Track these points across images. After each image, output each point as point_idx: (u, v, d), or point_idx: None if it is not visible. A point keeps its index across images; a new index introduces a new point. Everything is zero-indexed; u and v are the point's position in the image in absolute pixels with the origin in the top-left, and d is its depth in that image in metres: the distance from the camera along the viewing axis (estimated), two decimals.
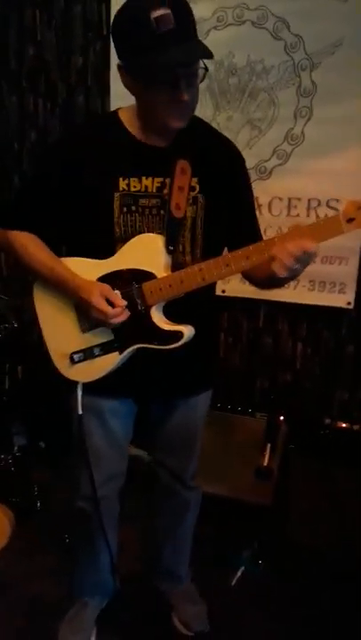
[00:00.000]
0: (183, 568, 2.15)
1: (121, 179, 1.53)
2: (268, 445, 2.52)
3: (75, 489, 1.87)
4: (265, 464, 2.49)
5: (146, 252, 1.52)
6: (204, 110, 1.94)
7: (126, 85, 1.45)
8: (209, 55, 1.35)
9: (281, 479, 2.48)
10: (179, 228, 1.54)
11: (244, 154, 1.70)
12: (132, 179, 1.53)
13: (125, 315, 1.53)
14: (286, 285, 1.53)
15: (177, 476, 1.94)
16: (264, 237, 1.71)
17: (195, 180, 1.54)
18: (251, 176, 2.00)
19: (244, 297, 2.62)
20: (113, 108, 2.30)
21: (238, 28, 2.55)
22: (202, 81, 1.43)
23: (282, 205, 2.63)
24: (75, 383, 1.67)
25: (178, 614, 2.09)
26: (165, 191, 1.53)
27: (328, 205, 2.55)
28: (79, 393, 1.66)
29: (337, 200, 2.52)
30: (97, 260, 1.57)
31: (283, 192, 2.62)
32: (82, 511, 1.87)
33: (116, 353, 1.60)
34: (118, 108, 1.59)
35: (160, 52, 1.31)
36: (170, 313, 1.57)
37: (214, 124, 1.70)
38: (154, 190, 1.54)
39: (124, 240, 1.54)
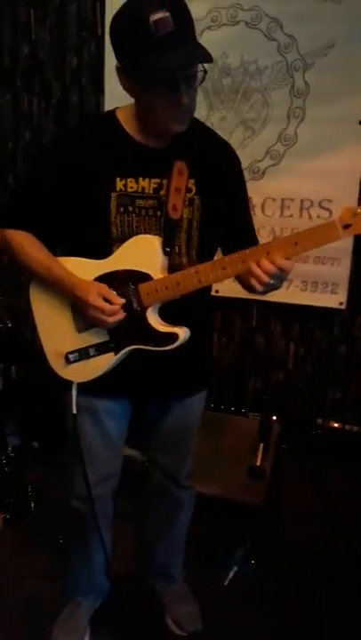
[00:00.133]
0: (176, 568, 2.16)
1: (118, 179, 1.53)
2: (261, 445, 2.53)
3: (69, 488, 1.87)
4: (258, 464, 2.49)
5: (143, 253, 1.52)
6: (197, 110, 1.92)
7: (125, 87, 1.45)
8: (208, 59, 1.35)
9: (274, 479, 2.49)
10: (175, 230, 1.54)
11: (238, 154, 1.70)
12: (128, 179, 1.53)
13: (122, 314, 1.53)
14: None
15: (171, 475, 1.95)
16: (258, 238, 1.73)
17: (192, 181, 1.55)
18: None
19: (237, 297, 2.59)
20: (108, 107, 2.31)
21: (232, 29, 2.56)
22: (201, 83, 1.43)
23: (275, 206, 2.64)
24: (70, 383, 1.67)
25: (171, 614, 2.09)
26: (162, 192, 1.54)
27: (321, 206, 2.56)
28: (74, 393, 1.66)
29: (330, 200, 2.54)
30: (94, 261, 1.57)
31: (276, 192, 2.63)
32: (76, 511, 1.87)
33: (112, 354, 1.60)
34: (116, 108, 1.58)
35: (159, 56, 1.31)
36: (165, 314, 1.57)
37: (208, 125, 1.70)
38: (151, 191, 1.54)
39: (121, 240, 1.54)
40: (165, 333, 1.53)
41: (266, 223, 2.63)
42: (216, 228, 1.61)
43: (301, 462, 2.41)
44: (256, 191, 2.57)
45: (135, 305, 1.53)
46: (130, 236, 1.53)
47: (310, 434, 2.51)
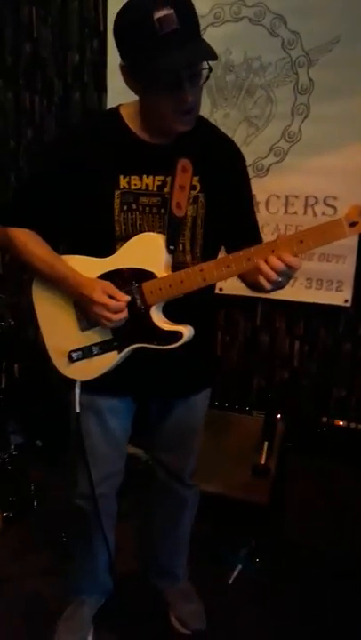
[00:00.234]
0: (180, 566, 2.15)
1: (121, 176, 1.52)
2: (266, 443, 2.53)
3: (72, 487, 1.87)
4: (262, 462, 2.49)
5: (146, 251, 1.51)
6: (200, 107, 1.93)
7: (129, 86, 1.44)
8: (213, 56, 1.34)
9: (278, 477, 2.49)
10: (179, 228, 1.53)
11: (241, 151, 1.69)
12: (132, 176, 1.52)
13: (126, 313, 1.52)
14: None
15: (175, 474, 1.94)
16: (262, 235, 1.72)
17: (196, 178, 1.53)
18: None
19: (241, 295, 2.57)
20: (110, 105, 2.30)
21: (236, 25, 2.54)
22: (206, 81, 1.42)
23: (279, 203, 2.63)
24: (73, 381, 1.66)
25: (175, 613, 2.09)
26: (166, 190, 1.53)
27: (325, 203, 2.55)
28: (77, 391, 1.65)
29: (334, 197, 2.53)
30: (97, 259, 1.56)
31: (280, 190, 2.62)
32: (79, 510, 1.87)
33: (115, 352, 1.59)
34: (120, 105, 1.57)
35: (163, 54, 1.30)
36: (169, 312, 1.56)
37: (211, 121, 1.68)
38: (155, 189, 1.53)
39: (125, 238, 1.53)
40: (169, 332, 1.52)
41: (270, 220, 2.62)
42: (220, 225, 1.60)
43: (306, 461, 2.40)
44: (260, 188, 2.57)
45: (139, 303, 1.52)
46: (133, 234, 1.52)
47: (315, 432, 2.50)
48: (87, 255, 1.57)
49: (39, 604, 2.13)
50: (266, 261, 1.36)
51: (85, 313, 1.58)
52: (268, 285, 1.39)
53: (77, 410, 1.66)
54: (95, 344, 1.60)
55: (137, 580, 2.19)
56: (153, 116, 1.47)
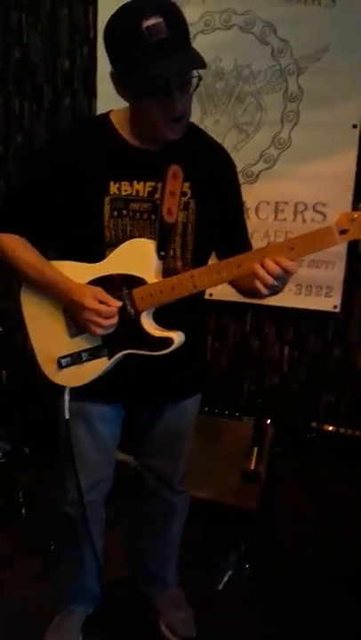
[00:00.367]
0: (170, 573, 2.14)
1: (112, 182, 1.52)
2: (255, 449, 2.53)
3: (61, 494, 1.85)
4: (252, 467, 2.49)
5: (137, 257, 1.51)
6: (191, 115, 1.94)
7: (119, 93, 1.44)
8: (202, 65, 1.34)
9: (268, 482, 2.49)
10: (170, 234, 1.53)
11: (232, 157, 1.69)
12: (122, 182, 1.52)
13: (117, 318, 1.51)
14: None
15: (165, 479, 1.93)
16: (251, 241, 1.72)
17: (186, 185, 1.54)
18: None
19: (231, 300, 2.58)
20: (100, 111, 2.30)
21: (226, 33, 2.56)
22: (195, 89, 1.42)
23: (269, 209, 2.64)
24: (62, 388, 1.65)
25: (164, 620, 2.08)
26: (157, 196, 1.53)
27: (315, 209, 2.56)
28: (66, 398, 1.65)
29: (324, 204, 2.54)
30: (87, 264, 1.55)
31: (270, 196, 2.63)
32: (68, 517, 1.85)
33: (105, 358, 1.58)
34: (110, 111, 1.58)
35: (152, 63, 1.30)
36: (159, 317, 1.55)
37: (201, 128, 1.69)
38: (145, 194, 1.53)
39: (115, 244, 1.53)
40: (160, 338, 1.52)
41: (260, 227, 2.63)
42: (211, 231, 1.61)
43: (296, 466, 2.40)
44: (250, 195, 2.57)
45: (129, 309, 1.52)
46: (124, 240, 1.52)
47: (305, 437, 2.50)
48: (77, 261, 1.57)
49: (29, 610, 2.11)
50: (262, 265, 1.36)
51: (75, 319, 1.57)
52: (264, 290, 1.39)
53: (67, 416, 1.65)
54: (85, 350, 1.60)
55: (126, 586, 2.17)
56: (143, 124, 1.48)
